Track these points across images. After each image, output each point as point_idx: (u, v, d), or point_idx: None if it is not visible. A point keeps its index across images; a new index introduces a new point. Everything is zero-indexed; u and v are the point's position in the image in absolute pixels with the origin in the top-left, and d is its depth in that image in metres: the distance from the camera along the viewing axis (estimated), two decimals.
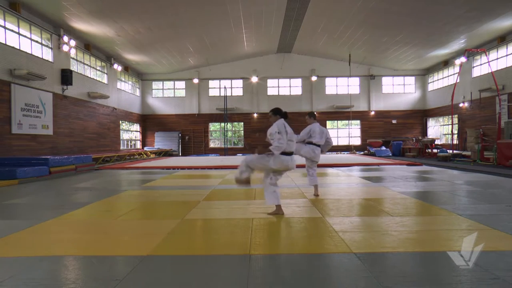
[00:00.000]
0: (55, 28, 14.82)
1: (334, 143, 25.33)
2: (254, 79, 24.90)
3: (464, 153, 15.41)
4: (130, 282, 2.43)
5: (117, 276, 2.51)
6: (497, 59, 17.80)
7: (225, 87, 24.74)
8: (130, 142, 23.99)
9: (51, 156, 11.02)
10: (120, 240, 3.51)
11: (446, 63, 22.54)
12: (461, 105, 20.45)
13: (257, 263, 2.76)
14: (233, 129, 26.07)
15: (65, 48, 15.25)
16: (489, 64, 14.94)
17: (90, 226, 4.14)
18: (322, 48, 22.87)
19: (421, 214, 4.55)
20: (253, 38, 20.82)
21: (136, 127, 25.02)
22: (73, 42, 15.44)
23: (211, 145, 26.20)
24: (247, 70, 25.02)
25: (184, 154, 25.04)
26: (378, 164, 13.32)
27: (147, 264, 2.77)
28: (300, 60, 25.04)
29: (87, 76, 17.74)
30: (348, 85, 25.47)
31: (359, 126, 25.90)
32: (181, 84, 25.94)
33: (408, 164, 13.04)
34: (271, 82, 25.78)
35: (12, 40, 12.49)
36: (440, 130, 24.44)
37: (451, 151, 15.23)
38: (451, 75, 22.27)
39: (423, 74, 25.51)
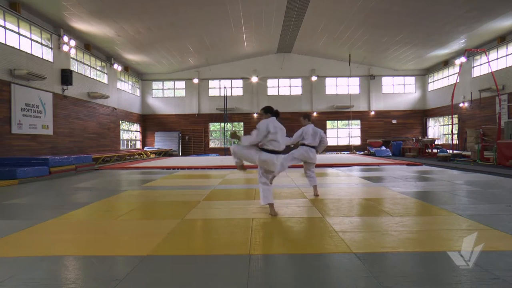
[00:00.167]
0: (55, 28, 14.82)
1: (334, 143, 25.78)
2: (254, 79, 24.90)
3: (464, 153, 15.42)
4: (130, 282, 2.43)
5: (117, 276, 2.51)
6: (497, 59, 17.80)
7: (225, 87, 24.75)
8: (130, 142, 23.99)
9: (51, 156, 11.01)
10: (120, 240, 3.51)
11: (446, 63, 22.54)
12: (461, 105, 20.45)
13: (257, 263, 2.76)
14: (233, 129, 26.06)
15: (65, 48, 15.26)
16: (489, 64, 14.94)
17: (90, 226, 4.14)
18: (322, 48, 22.87)
19: (421, 214, 4.55)
20: (253, 38, 20.82)
21: (136, 127, 25.03)
22: (73, 42, 15.44)
23: (211, 145, 26.21)
24: (247, 70, 25.03)
25: (184, 154, 25.04)
26: (378, 164, 13.32)
27: (147, 264, 2.77)
28: (300, 60, 25.04)
29: (87, 76, 17.74)
30: (348, 85, 25.48)
31: (359, 126, 25.91)
32: (181, 84, 25.95)
33: (408, 164, 13.04)
34: (271, 82, 25.79)
35: (12, 40, 12.49)
36: (440, 130, 24.44)
37: (451, 151, 15.23)
38: (451, 75, 22.28)
39: (423, 74, 25.51)
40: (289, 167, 6.11)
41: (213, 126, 26.47)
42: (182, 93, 26.07)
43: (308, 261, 2.85)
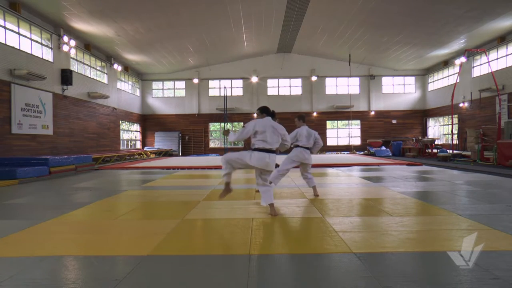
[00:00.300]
0: (55, 28, 14.82)
1: (334, 143, 25.79)
2: (254, 79, 24.90)
3: (464, 153, 15.42)
4: (130, 282, 2.43)
5: (117, 276, 2.51)
6: (497, 59, 17.80)
7: (225, 87, 24.74)
8: (130, 142, 23.99)
9: (51, 156, 11.01)
10: (120, 240, 3.51)
11: (446, 63, 22.55)
12: (461, 105, 20.45)
13: (257, 263, 2.76)
14: (233, 129, 26.04)
15: (65, 48, 15.25)
16: (489, 64, 14.94)
17: (90, 226, 4.14)
18: (322, 48, 22.87)
19: (421, 214, 4.55)
20: (253, 38, 20.82)
21: (136, 127, 25.03)
22: (73, 42, 15.44)
23: (211, 145, 26.21)
24: (247, 70, 25.03)
25: (184, 154, 25.04)
26: (378, 164, 13.32)
27: (147, 264, 2.77)
28: (300, 60, 25.04)
29: (87, 76, 17.74)
30: (348, 85, 25.48)
31: (359, 126, 25.91)
32: (181, 84, 25.95)
33: (408, 164, 13.04)
34: (271, 82, 25.79)
35: (12, 40, 12.49)
36: (440, 130, 24.44)
37: (451, 151, 15.23)
38: (451, 75, 22.28)
39: (423, 74, 25.51)
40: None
41: (213, 126, 26.47)
42: (182, 93, 26.07)
43: (308, 261, 2.85)
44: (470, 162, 12.40)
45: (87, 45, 17.54)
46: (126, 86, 23.09)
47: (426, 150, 17.39)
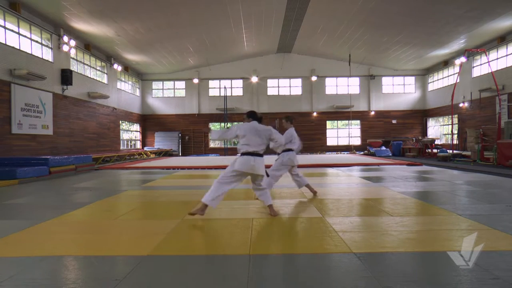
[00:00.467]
0: (55, 28, 14.82)
1: (334, 143, 25.81)
2: (254, 79, 24.90)
3: (464, 153, 15.42)
4: (130, 282, 2.43)
5: (117, 276, 2.51)
6: (497, 59, 17.80)
7: (225, 87, 24.74)
8: (130, 142, 23.99)
9: (51, 156, 11.01)
10: (120, 240, 3.51)
11: (446, 63, 22.54)
12: (461, 105, 20.45)
13: (257, 263, 2.76)
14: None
15: (65, 48, 15.25)
16: (489, 64, 14.94)
17: (90, 226, 4.14)
18: (322, 48, 22.87)
19: (421, 214, 4.55)
20: (253, 38, 20.82)
21: (136, 127, 25.02)
22: (73, 42, 15.43)
23: (211, 145, 26.20)
24: (247, 70, 25.02)
25: (184, 154, 25.04)
26: (378, 164, 13.32)
27: (147, 264, 2.77)
28: (300, 60, 25.04)
29: (87, 76, 17.74)
30: (348, 85, 25.47)
31: (359, 126, 25.90)
32: (181, 84, 25.95)
33: (408, 164, 13.04)
34: (271, 82, 25.78)
35: (12, 40, 12.49)
36: (440, 130, 24.44)
37: (451, 151, 15.23)
38: (451, 75, 22.27)
39: (423, 74, 25.51)
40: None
41: (213, 126, 26.46)
42: (182, 93, 26.07)
43: (308, 261, 2.85)
44: (470, 162, 12.40)
45: (87, 45, 17.54)
46: (126, 86, 23.09)
47: (426, 150, 17.39)
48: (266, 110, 25.00)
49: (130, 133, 24.18)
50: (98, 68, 19.10)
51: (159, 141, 25.06)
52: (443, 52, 20.73)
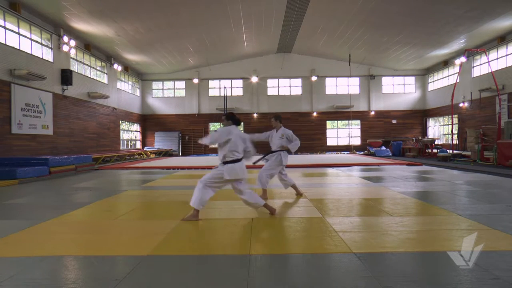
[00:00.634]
0: (55, 28, 14.82)
1: (334, 143, 25.79)
2: (254, 79, 24.90)
3: (464, 153, 15.42)
4: (130, 282, 2.43)
5: (117, 276, 2.51)
6: (497, 59, 17.80)
7: (225, 87, 24.74)
8: (130, 142, 23.99)
9: (51, 156, 11.02)
10: (120, 240, 3.51)
11: (446, 63, 22.54)
12: (461, 105, 20.45)
13: (257, 263, 2.76)
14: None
15: (65, 48, 15.25)
16: (489, 64, 14.93)
17: (90, 226, 4.14)
18: (322, 48, 22.87)
19: (421, 214, 4.55)
20: (253, 38, 20.82)
21: (136, 127, 25.02)
22: (73, 42, 15.43)
23: (211, 145, 26.17)
24: (247, 70, 25.02)
25: (184, 154, 25.04)
26: (378, 164, 13.32)
27: (147, 264, 2.77)
28: (300, 60, 25.03)
29: (87, 76, 17.73)
30: (348, 85, 25.47)
31: (359, 126, 25.90)
32: (181, 84, 25.95)
33: (408, 164, 13.04)
34: (271, 82, 25.78)
35: (12, 40, 12.49)
36: (440, 130, 24.44)
37: (451, 151, 15.23)
38: (451, 75, 22.27)
39: (423, 74, 25.51)
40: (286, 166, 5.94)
41: (213, 126, 26.46)
42: (182, 93, 26.06)
43: (308, 261, 2.85)
44: (470, 162, 12.40)
45: (87, 45, 17.54)
46: (126, 86, 23.09)
47: (426, 150, 17.39)
48: (266, 110, 25.01)
49: (130, 133, 24.18)
50: (98, 68, 19.10)
51: (159, 141, 25.06)
52: (443, 52, 20.73)
